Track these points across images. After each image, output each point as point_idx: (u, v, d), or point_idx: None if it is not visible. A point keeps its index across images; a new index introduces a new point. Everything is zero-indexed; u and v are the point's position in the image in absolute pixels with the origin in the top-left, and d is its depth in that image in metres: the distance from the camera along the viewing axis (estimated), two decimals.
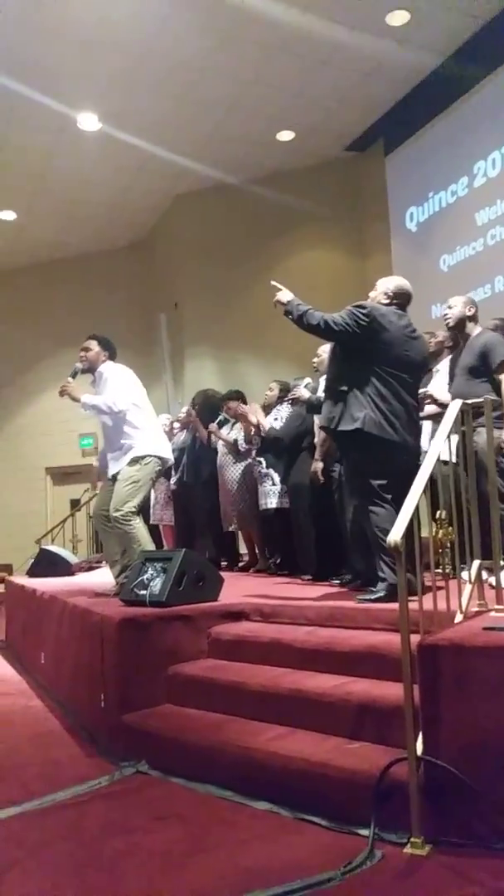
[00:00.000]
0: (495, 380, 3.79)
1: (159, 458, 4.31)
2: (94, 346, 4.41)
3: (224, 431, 6.14)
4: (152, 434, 4.34)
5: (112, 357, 4.46)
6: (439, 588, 2.43)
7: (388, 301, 3.64)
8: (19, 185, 9.72)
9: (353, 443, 3.48)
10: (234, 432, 6.04)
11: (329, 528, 4.44)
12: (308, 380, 5.16)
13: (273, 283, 3.76)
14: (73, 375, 4.34)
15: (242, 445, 5.88)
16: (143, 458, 4.23)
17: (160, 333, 10.84)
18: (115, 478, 4.30)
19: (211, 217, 10.12)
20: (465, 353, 3.99)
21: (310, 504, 4.73)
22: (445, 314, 4.14)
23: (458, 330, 4.12)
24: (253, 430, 5.68)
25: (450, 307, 4.11)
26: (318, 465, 4.57)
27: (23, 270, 12.15)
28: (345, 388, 3.49)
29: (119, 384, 4.28)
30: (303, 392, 4.62)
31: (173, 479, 6.88)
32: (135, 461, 4.21)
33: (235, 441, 5.95)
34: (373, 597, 3.32)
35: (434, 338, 4.76)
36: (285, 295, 3.62)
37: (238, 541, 6.78)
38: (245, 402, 6.14)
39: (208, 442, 6.28)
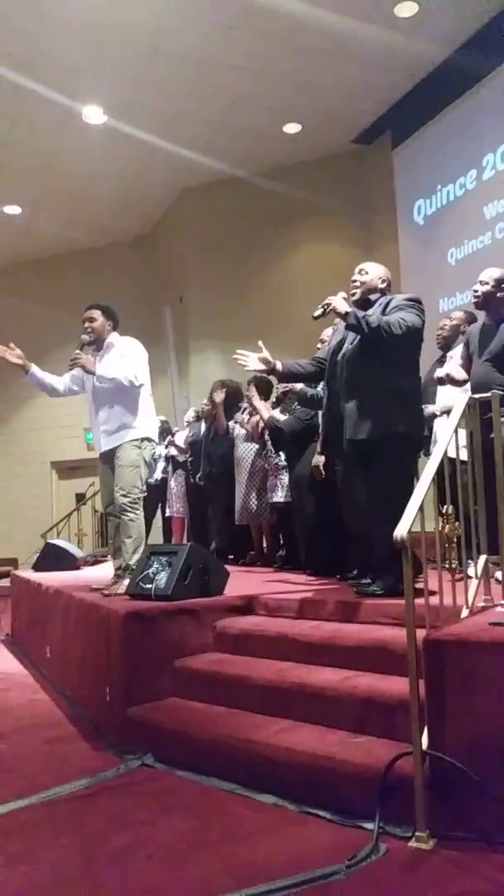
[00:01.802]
0: None
1: (154, 441, 4.31)
2: (98, 315, 4.29)
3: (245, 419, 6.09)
4: (152, 416, 4.31)
5: (116, 327, 4.35)
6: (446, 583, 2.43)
7: (384, 286, 3.59)
8: (25, 180, 9.70)
9: (408, 445, 3.38)
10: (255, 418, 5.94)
11: (333, 522, 4.43)
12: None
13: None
14: (81, 347, 4.19)
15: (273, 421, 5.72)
16: (146, 440, 4.20)
17: (165, 327, 10.83)
18: (110, 455, 4.22)
19: (217, 210, 10.09)
20: (497, 336, 3.74)
21: (313, 498, 4.71)
22: (475, 289, 3.89)
23: (485, 309, 3.89)
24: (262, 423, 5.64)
25: (482, 282, 3.86)
26: (320, 459, 4.54)
27: (29, 264, 12.16)
28: (409, 384, 3.41)
29: (138, 358, 4.19)
30: (295, 384, 4.51)
31: (191, 470, 6.92)
32: (139, 442, 4.16)
33: (265, 420, 5.79)
34: (369, 589, 3.32)
35: (449, 321, 4.61)
36: (341, 304, 3.36)
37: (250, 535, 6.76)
38: (269, 389, 6.03)
39: (226, 431, 6.22)
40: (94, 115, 8.34)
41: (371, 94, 8.38)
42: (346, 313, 3.29)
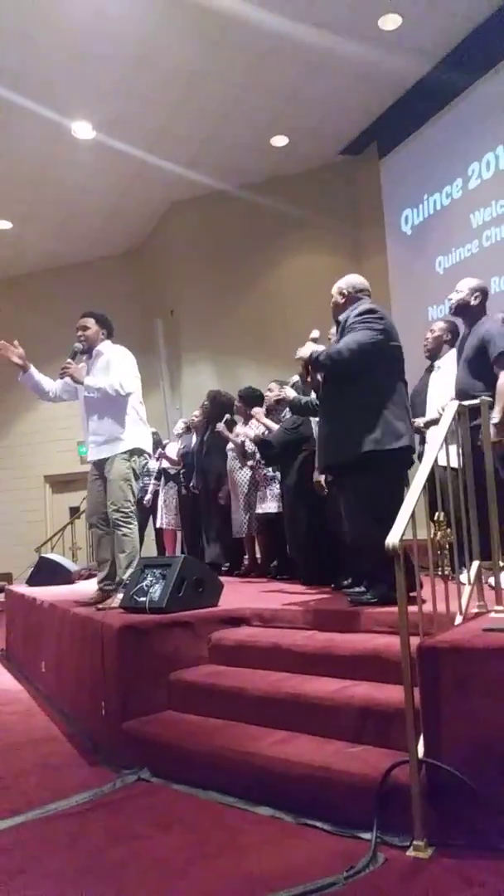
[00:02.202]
0: (498, 367, 3.65)
1: (147, 453, 4.29)
2: (91, 324, 4.27)
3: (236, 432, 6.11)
4: (144, 427, 4.27)
5: (110, 336, 4.33)
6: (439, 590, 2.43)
7: (343, 301, 3.58)
8: (15, 195, 9.74)
9: (393, 461, 3.33)
10: (242, 434, 5.99)
11: (326, 531, 4.43)
12: (296, 378, 5.05)
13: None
14: (73, 356, 4.18)
15: (250, 447, 5.82)
16: (138, 451, 4.17)
17: (157, 340, 10.85)
18: (100, 465, 4.20)
19: (207, 223, 10.14)
20: (467, 343, 3.86)
21: (305, 508, 4.71)
22: (450, 297, 4.00)
23: (461, 316, 3.99)
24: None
25: (457, 290, 3.96)
26: (321, 476, 4.53)
27: (19, 278, 12.18)
28: (374, 401, 3.32)
29: (126, 367, 4.16)
30: (288, 392, 4.50)
31: (183, 482, 6.91)
32: (131, 454, 4.13)
33: (243, 443, 5.89)
34: (362, 598, 3.32)
35: (431, 333, 4.67)
36: (305, 350, 3.44)
37: (243, 547, 6.76)
38: (259, 402, 6.06)
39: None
40: (83, 130, 8.39)
41: (357, 106, 8.46)
42: (310, 358, 3.38)
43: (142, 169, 9.24)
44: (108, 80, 7.58)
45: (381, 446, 3.25)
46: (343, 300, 3.59)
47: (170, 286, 10.71)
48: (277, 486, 5.45)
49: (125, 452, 4.12)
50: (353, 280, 3.66)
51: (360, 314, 3.39)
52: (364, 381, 3.32)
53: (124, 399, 4.13)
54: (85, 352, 4.28)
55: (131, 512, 4.13)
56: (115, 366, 4.14)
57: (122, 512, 4.07)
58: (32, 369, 4.28)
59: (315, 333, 3.58)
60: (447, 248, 7.94)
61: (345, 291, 3.60)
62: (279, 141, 9.06)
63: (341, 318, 3.54)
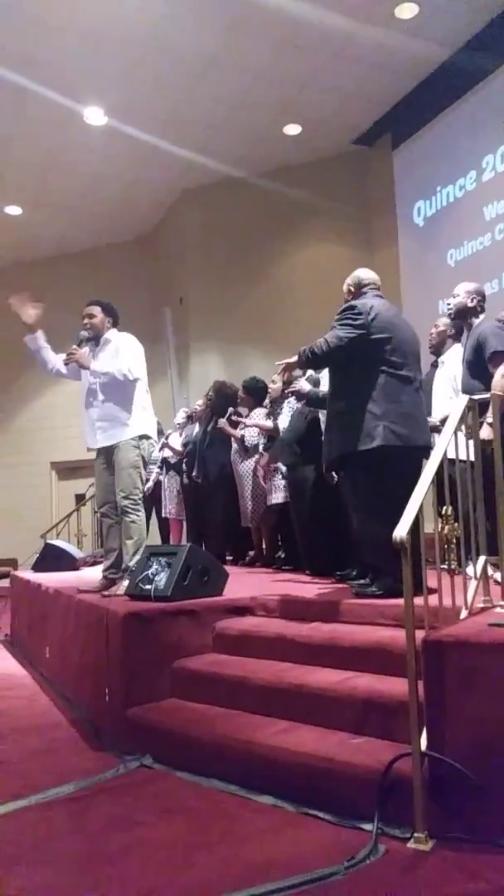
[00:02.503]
0: (493, 366, 3.64)
1: (154, 440, 4.29)
2: (97, 312, 4.29)
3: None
4: (150, 413, 4.27)
5: (115, 324, 4.34)
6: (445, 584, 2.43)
7: (350, 297, 3.61)
8: (25, 180, 9.71)
9: (369, 461, 3.32)
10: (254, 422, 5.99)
11: (332, 523, 4.42)
12: (311, 372, 5.05)
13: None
14: (79, 344, 4.20)
15: (250, 441, 5.86)
16: (146, 437, 4.18)
17: (165, 328, 10.84)
18: (108, 453, 4.20)
19: (217, 211, 10.09)
20: (467, 345, 3.91)
21: (312, 499, 4.71)
22: (448, 302, 4.08)
23: (461, 319, 4.04)
24: (263, 432, 5.66)
25: (454, 295, 4.03)
26: None
27: (29, 264, 12.16)
28: (353, 402, 3.36)
29: (134, 354, 4.17)
30: (303, 385, 4.47)
31: (185, 472, 6.92)
32: (139, 440, 4.14)
33: (242, 437, 5.92)
34: (368, 590, 3.33)
35: (435, 328, 4.69)
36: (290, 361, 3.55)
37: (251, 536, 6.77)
38: (263, 394, 6.05)
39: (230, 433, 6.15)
40: (94, 116, 8.35)
41: (371, 96, 8.39)
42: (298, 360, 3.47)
43: (153, 155, 9.20)
44: (121, 66, 7.54)
45: (353, 448, 3.31)
46: (350, 296, 3.63)
47: (179, 274, 10.68)
48: (280, 476, 5.46)
49: (133, 438, 4.13)
50: (359, 275, 3.70)
51: (340, 311, 3.46)
52: (344, 381, 3.44)
53: (132, 385, 4.13)
54: (90, 339, 4.29)
55: (139, 499, 4.15)
56: (124, 352, 4.16)
57: (131, 499, 4.09)
58: (40, 333, 4.24)
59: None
60: (459, 240, 7.89)
61: (351, 288, 3.67)
62: (292, 129, 9.00)
63: None
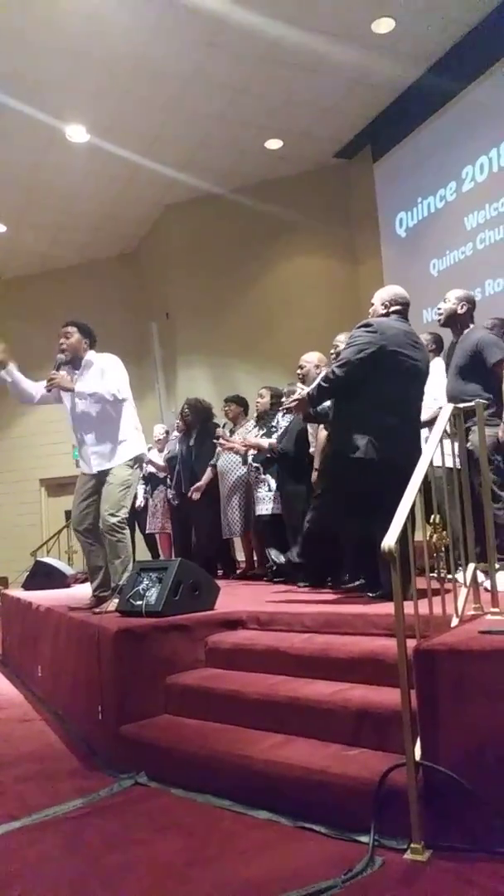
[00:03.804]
0: (496, 374, 3.77)
1: (144, 461, 4.29)
2: (74, 332, 4.21)
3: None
4: (141, 435, 4.26)
5: (93, 345, 4.28)
6: (435, 592, 2.43)
7: (384, 311, 3.62)
8: (8, 198, 9.73)
9: (357, 469, 3.40)
10: (237, 437, 6.00)
11: (324, 531, 4.43)
12: (300, 387, 5.07)
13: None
14: (58, 367, 4.12)
15: (250, 455, 5.81)
16: (138, 458, 4.18)
17: (152, 343, 10.85)
18: (99, 476, 4.17)
19: (201, 226, 10.15)
20: (458, 351, 3.96)
21: (300, 510, 4.72)
22: (438, 307, 4.12)
23: (450, 326, 4.08)
24: (254, 450, 5.64)
25: (444, 300, 4.07)
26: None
27: (13, 282, 12.17)
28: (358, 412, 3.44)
29: (121, 374, 4.15)
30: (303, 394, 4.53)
31: (171, 489, 6.91)
32: (131, 462, 4.13)
33: (246, 452, 5.88)
34: (367, 592, 3.37)
35: None
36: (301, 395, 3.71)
37: (234, 548, 6.77)
38: (245, 406, 6.10)
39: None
40: (77, 133, 8.40)
41: (351, 110, 8.49)
42: (308, 396, 3.62)
43: (136, 172, 9.25)
44: (103, 83, 7.59)
45: (350, 453, 3.38)
46: (384, 311, 3.65)
47: (165, 289, 10.72)
48: (267, 487, 5.47)
49: (129, 459, 4.13)
50: (397, 292, 3.70)
51: (358, 328, 3.51)
52: (360, 384, 3.44)
53: (119, 405, 4.11)
54: (68, 362, 4.21)
55: (125, 518, 4.13)
56: (110, 371, 4.13)
57: (118, 517, 4.06)
58: (12, 366, 4.16)
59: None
60: (441, 250, 7.96)
61: (387, 302, 3.66)
62: (273, 144, 9.08)
63: None
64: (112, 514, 4.04)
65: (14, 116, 7.84)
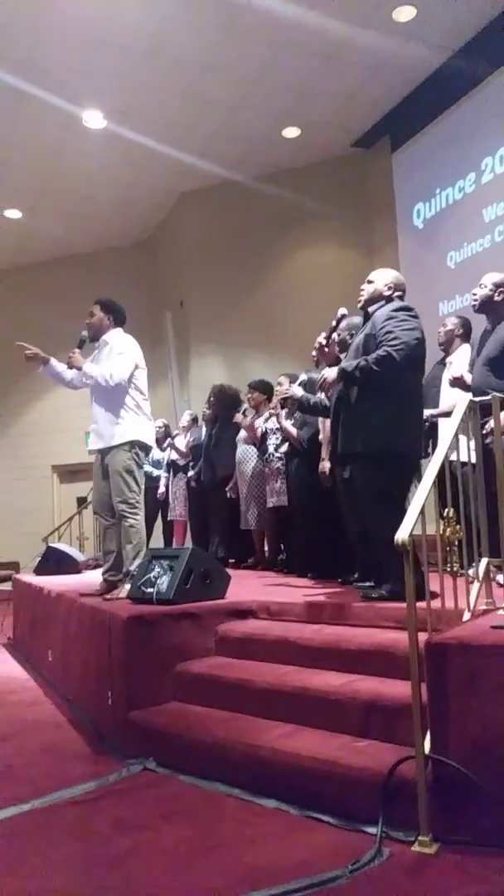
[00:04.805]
0: None
1: (147, 445, 4.25)
2: (97, 311, 4.26)
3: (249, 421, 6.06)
4: (145, 419, 4.23)
5: (119, 323, 4.30)
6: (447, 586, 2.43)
7: (389, 293, 3.46)
8: (25, 184, 9.73)
9: (383, 461, 3.26)
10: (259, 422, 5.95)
11: (334, 526, 4.42)
12: (304, 377, 5.01)
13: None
14: (80, 345, 4.21)
15: (270, 442, 5.75)
16: (138, 443, 4.15)
17: (166, 331, 10.85)
18: (104, 455, 4.19)
19: (217, 214, 10.11)
20: (491, 341, 3.80)
21: (313, 502, 4.71)
22: (474, 293, 3.94)
23: (484, 313, 3.91)
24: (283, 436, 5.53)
25: (481, 285, 3.88)
26: (326, 465, 4.52)
27: (28, 268, 12.18)
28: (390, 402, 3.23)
29: (123, 358, 4.13)
30: (295, 390, 4.32)
31: (191, 474, 6.93)
32: (131, 446, 4.11)
33: (264, 435, 5.78)
34: (374, 593, 3.33)
35: (444, 327, 4.68)
36: (330, 373, 3.32)
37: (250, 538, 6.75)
38: (271, 394, 6.00)
39: (261, 438, 5.94)
40: (94, 119, 8.37)
41: (370, 99, 8.40)
42: (341, 373, 3.24)
43: (152, 159, 9.21)
44: (120, 70, 7.55)
45: (375, 447, 3.23)
46: (389, 293, 3.47)
47: (179, 277, 10.69)
48: (283, 479, 5.44)
49: (125, 444, 4.11)
50: (399, 276, 3.56)
51: (396, 310, 3.30)
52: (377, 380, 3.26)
53: (122, 389, 4.11)
54: (93, 339, 4.29)
55: (137, 502, 4.13)
56: (115, 355, 4.15)
57: (128, 503, 4.07)
58: (52, 361, 4.29)
59: (343, 310, 3.55)
60: (459, 242, 7.90)
61: (391, 285, 3.48)
62: (291, 133, 9.01)
63: (372, 309, 3.47)
64: (120, 501, 4.07)
65: (31, 102, 7.82)
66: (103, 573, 4.31)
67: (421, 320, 3.32)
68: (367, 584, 3.58)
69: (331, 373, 3.31)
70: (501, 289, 3.85)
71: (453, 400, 4.04)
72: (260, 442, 5.84)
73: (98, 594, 4.14)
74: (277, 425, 5.40)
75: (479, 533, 2.82)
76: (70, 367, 4.21)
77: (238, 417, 6.13)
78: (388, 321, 3.25)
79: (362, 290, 3.55)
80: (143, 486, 4.25)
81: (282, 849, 2.11)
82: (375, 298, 3.49)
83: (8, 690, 4.51)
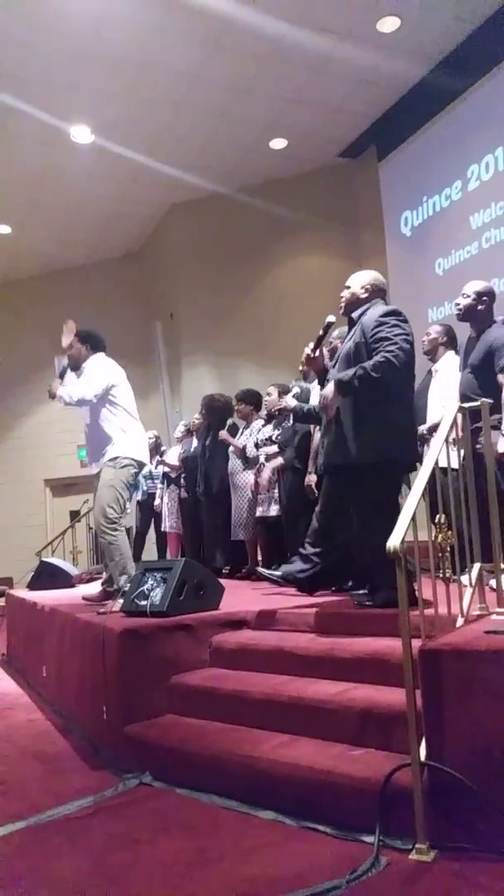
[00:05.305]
0: (499, 381, 3.64)
1: (136, 461, 4.25)
2: (74, 343, 4.37)
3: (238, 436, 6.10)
4: (132, 436, 4.25)
5: (98, 349, 4.38)
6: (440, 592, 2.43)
7: (366, 295, 3.41)
8: (13, 199, 9.74)
9: (376, 472, 3.21)
10: (244, 438, 6.01)
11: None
12: (296, 389, 5.03)
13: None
14: (61, 375, 4.34)
15: (251, 452, 5.81)
16: (119, 459, 4.16)
17: (156, 343, 10.86)
18: (99, 472, 4.27)
19: (206, 226, 10.14)
20: (476, 348, 3.82)
21: (303, 512, 4.70)
22: (457, 302, 3.95)
23: (469, 322, 3.92)
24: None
25: (464, 294, 3.90)
26: (312, 479, 4.52)
27: (18, 283, 12.17)
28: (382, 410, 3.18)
29: (93, 379, 4.18)
30: (289, 401, 4.29)
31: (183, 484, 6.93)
32: (114, 461, 4.16)
33: (244, 448, 5.88)
34: (366, 601, 3.32)
35: (427, 336, 4.67)
36: (329, 389, 3.21)
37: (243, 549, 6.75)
38: (258, 404, 6.04)
39: (242, 452, 5.99)
40: (81, 134, 8.39)
41: (356, 109, 8.46)
42: (339, 385, 3.15)
43: (141, 172, 9.24)
44: (107, 84, 7.58)
45: (366, 458, 3.18)
46: (366, 295, 3.42)
47: (169, 289, 10.72)
48: (276, 490, 5.45)
49: (110, 460, 4.17)
50: (380, 278, 3.51)
51: (385, 315, 3.23)
52: (369, 388, 3.19)
53: (101, 408, 4.19)
54: (74, 368, 4.40)
55: (116, 519, 4.13)
56: (85, 376, 4.25)
57: (107, 518, 4.09)
58: (60, 390, 4.32)
59: (331, 317, 3.50)
60: (447, 250, 7.94)
61: (368, 287, 3.43)
62: (278, 144, 9.07)
63: (356, 315, 3.42)
64: (101, 515, 4.11)
65: (18, 117, 7.83)
66: (102, 584, 4.36)
67: (410, 325, 3.30)
68: (361, 591, 3.56)
69: (328, 390, 3.21)
70: (484, 297, 3.88)
71: (439, 413, 4.06)
72: (243, 455, 5.86)
73: (98, 601, 4.21)
74: (266, 436, 5.46)
75: (471, 538, 2.82)
76: (50, 395, 4.32)
77: (222, 434, 6.13)
78: (380, 327, 3.20)
79: (342, 296, 3.51)
80: (128, 504, 4.27)
81: (279, 860, 2.10)
82: (354, 302, 3.45)
83: (2, 707, 4.48)
